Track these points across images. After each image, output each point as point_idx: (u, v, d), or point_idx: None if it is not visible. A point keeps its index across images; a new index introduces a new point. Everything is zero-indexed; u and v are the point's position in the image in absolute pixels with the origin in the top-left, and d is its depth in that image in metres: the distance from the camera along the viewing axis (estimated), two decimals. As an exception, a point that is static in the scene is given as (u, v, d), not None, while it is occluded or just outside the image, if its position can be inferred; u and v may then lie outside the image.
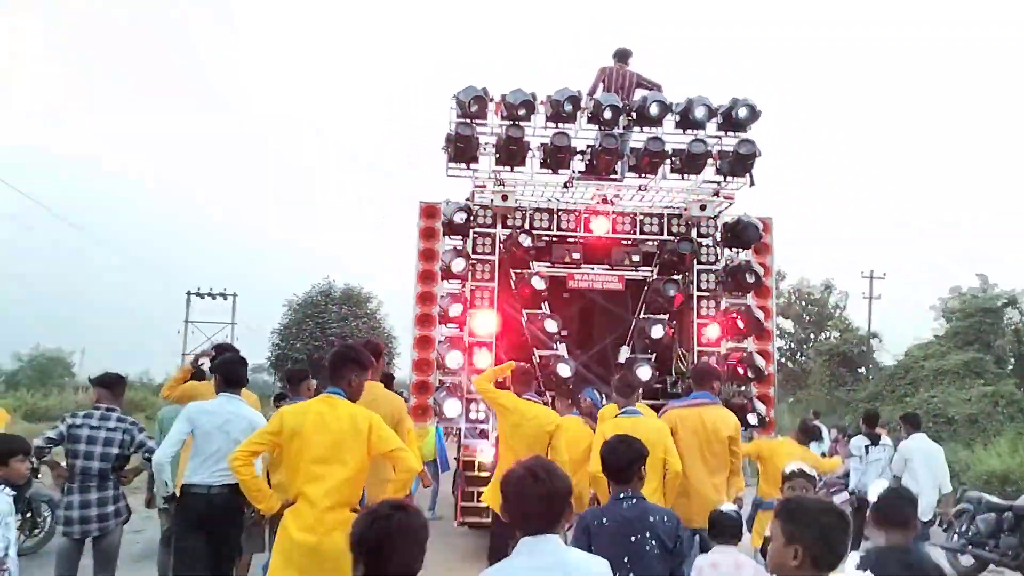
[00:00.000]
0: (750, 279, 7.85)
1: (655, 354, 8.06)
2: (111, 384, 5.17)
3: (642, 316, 8.08)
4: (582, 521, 3.22)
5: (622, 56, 8.27)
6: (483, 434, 7.38)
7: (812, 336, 31.44)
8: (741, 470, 5.44)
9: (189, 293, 35.14)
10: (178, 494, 4.52)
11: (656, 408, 5.69)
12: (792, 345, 31.40)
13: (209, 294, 35.22)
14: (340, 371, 3.84)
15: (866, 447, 8.27)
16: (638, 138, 7.96)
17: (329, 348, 34.12)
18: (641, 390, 5.88)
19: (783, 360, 29.73)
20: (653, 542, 3.13)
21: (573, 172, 7.96)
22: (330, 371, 3.85)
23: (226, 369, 4.68)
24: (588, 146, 7.92)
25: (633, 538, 3.13)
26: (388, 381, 6.79)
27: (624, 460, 3.31)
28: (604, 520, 3.18)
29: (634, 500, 3.24)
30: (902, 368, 23.57)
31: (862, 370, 26.93)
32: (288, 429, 3.61)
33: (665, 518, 3.22)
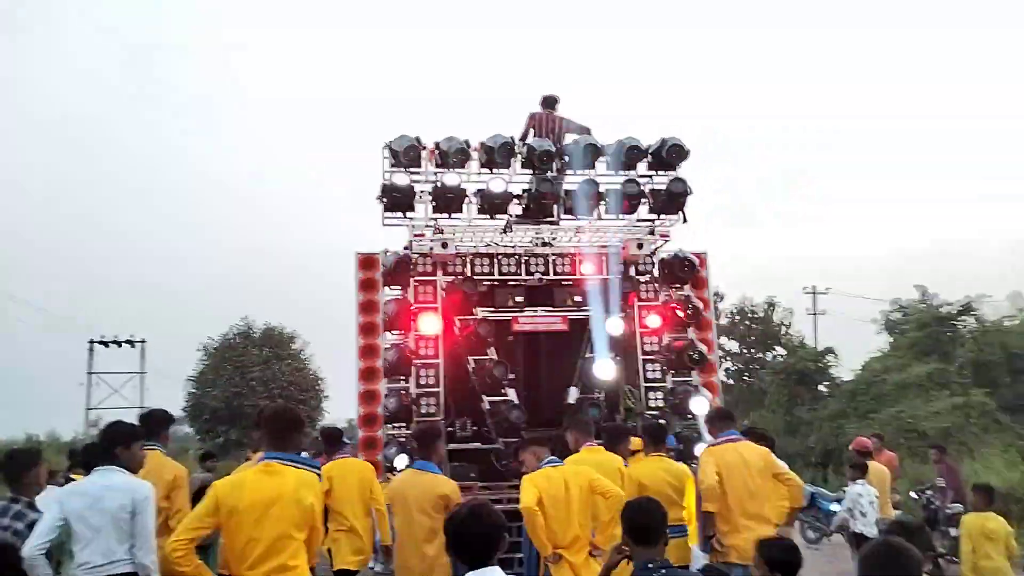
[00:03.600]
0: (689, 314, 8.61)
1: (603, 393, 8.68)
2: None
3: (588, 355, 8.70)
4: None
5: (549, 103, 8.98)
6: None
7: (758, 355, 32.76)
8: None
9: (92, 342, 34.34)
10: None
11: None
12: (740, 365, 32.72)
13: (115, 342, 34.47)
14: (288, 434, 3.95)
15: None
16: (571, 180, 8.66)
17: (252, 395, 33.80)
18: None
19: (731, 381, 30.87)
20: None
21: (511, 216, 8.58)
22: (273, 433, 3.93)
23: (99, 439, 4.49)
24: (524, 190, 8.57)
25: None
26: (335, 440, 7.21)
27: (653, 520, 3.35)
28: None
29: (663, 570, 3.25)
30: (863, 383, 23.98)
31: (820, 388, 27.52)
32: (225, 508, 3.65)
33: None
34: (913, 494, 11.02)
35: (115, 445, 4.36)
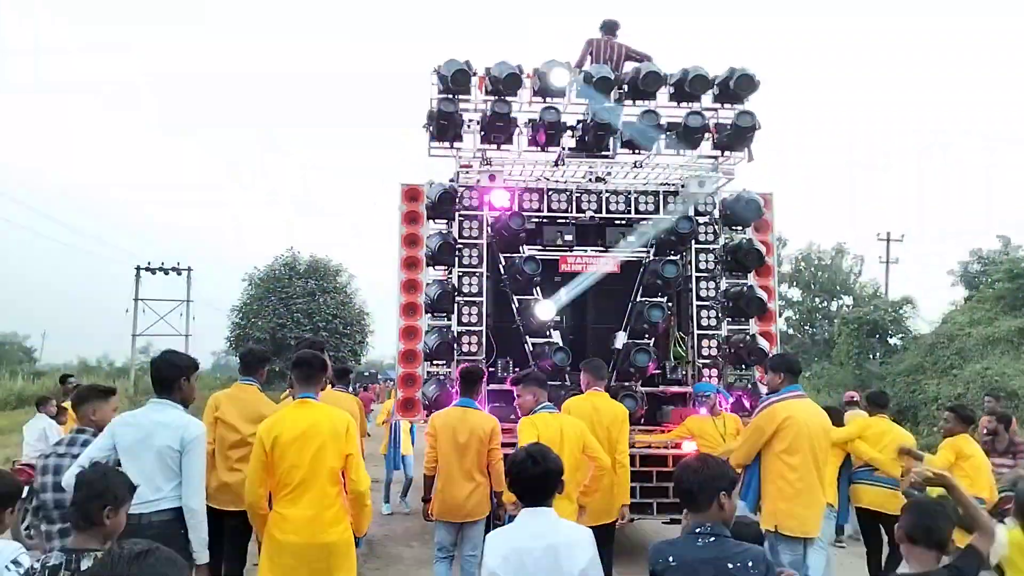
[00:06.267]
0: (751, 258, 8.36)
1: (653, 339, 8.55)
2: (75, 400, 4.80)
3: (639, 299, 8.55)
4: (650, 563, 3.03)
5: (609, 28, 8.67)
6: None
7: (822, 304, 32.13)
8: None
9: (139, 268, 35.32)
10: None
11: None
12: (801, 315, 32.13)
13: (161, 269, 35.39)
14: (315, 377, 4.56)
15: None
16: (630, 112, 8.38)
17: (296, 327, 34.49)
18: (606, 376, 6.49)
19: (791, 331, 30.39)
20: None
21: (563, 149, 8.37)
22: (304, 375, 4.48)
23: (154, 372, 4.45)
24: (578, 121, 8.33)
25: None
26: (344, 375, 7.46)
27: (694, 484, 3.04)
28: (672, 560, 2.95)
29: (712, 537, 2.96)
30: (943, 337, 22.58)
31: (893, 340, 26.42)
32: (269, 440, 4.19)
33: (751, 563, 2.87)
34: None
35: (171, 384, 4.36)
